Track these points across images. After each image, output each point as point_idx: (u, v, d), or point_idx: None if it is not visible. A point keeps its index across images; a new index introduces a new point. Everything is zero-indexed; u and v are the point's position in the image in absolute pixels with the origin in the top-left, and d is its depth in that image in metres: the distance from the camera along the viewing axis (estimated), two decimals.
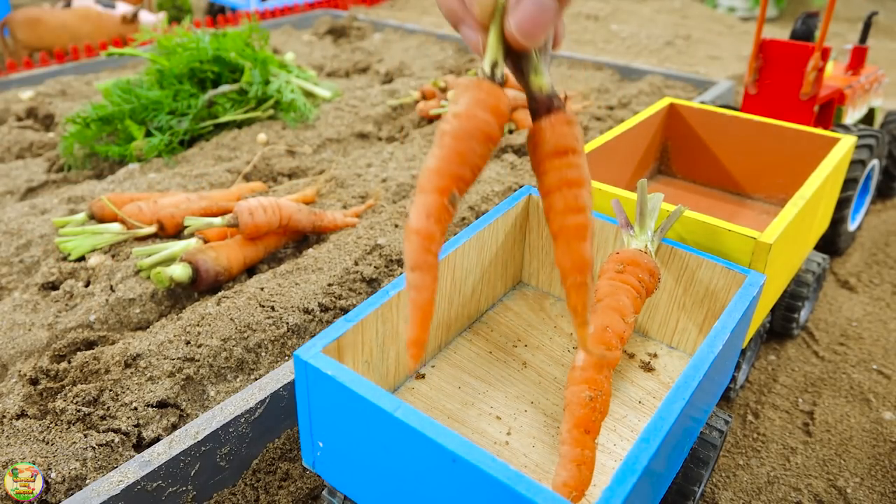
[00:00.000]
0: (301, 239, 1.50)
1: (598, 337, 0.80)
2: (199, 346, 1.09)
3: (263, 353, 1.14)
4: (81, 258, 1.39)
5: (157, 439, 0.97)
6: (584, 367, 0.78)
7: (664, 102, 1.49)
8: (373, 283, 1.31)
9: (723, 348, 0.78)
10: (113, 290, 1.26)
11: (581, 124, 2.08)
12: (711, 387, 0.85)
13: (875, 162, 1.70)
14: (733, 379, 1.18)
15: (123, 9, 3.39)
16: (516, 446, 0.84)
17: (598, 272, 0.90)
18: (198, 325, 1.13)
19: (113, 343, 1.15)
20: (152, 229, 1.43)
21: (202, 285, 1.28)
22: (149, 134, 1.90)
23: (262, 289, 1.23)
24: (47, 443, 0.92)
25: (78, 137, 1.84)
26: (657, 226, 0.95)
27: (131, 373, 1.04)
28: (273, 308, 1.19)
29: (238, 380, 1.10)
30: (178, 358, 1.06)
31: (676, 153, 1.53)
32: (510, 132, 2.05)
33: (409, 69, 2.71)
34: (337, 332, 0.77)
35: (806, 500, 1.04)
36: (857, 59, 1.88)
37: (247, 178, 1.75)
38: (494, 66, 0.57)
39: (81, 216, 1.46)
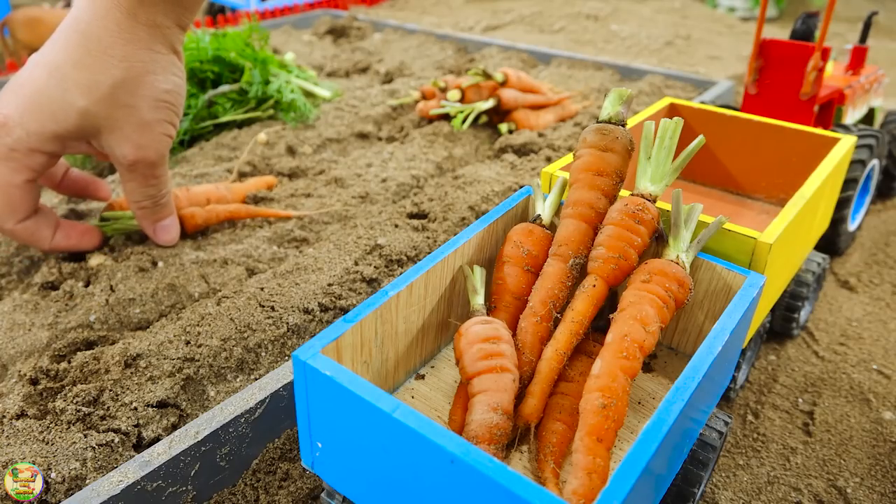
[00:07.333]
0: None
1: (617, 346, 0.79)
2: (199, 346, 1.09)
3: (263, 353, 1.14)
4: (82, 258, 1.39)
5: (157, 439, 0.97)
6: (598, 375, 0.76)
7: (664, 102, 1.49)
8: (373, 283, 1.32)
9: (723, 349, 0.78)
10: (113, 290, 1.26)
11: (581, 124, 2.08)
12: (711, 387, 0.85)
13: (875, 162, 1.70)
14: (733, 379, 1.18)
15: None
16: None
17: (627, 283, 0.89)
18: (198, 325, 1.13)
19: (113, 343, 1.15)
20: None
21: None
22: None
23: (262, 289, 1.23)
24: (47, 443, 0.92)
25: None
26: (693, 237, 0.94)
27: (131, 373, 1.04)
28: (273, 308, 1.19)
29: (238, 380, 1.10)
30: (178, 358, 1.06)
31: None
32: (510, 132, 2.05)
33: (409, 69, 2.71)
34: (336, 333, 0.77)
35: (806, 500, 1.04)
36: (857, 59, 1.88)
37: (240, 174, 1.75)
38: None
39: None
